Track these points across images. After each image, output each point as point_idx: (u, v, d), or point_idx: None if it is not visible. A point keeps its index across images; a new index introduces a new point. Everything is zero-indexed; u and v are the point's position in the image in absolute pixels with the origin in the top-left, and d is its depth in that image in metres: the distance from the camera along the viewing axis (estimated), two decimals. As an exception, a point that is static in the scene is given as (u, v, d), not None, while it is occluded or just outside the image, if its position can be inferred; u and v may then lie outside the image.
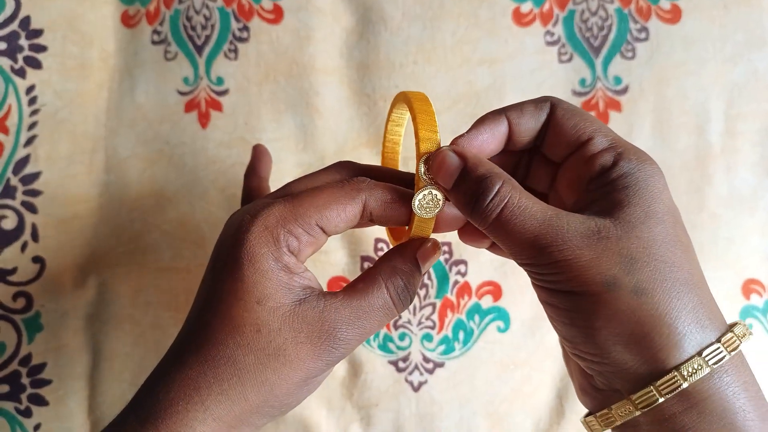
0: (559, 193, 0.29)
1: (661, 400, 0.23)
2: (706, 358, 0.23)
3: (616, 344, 0.24)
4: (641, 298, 0.23)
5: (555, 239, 0.24)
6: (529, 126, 0.28)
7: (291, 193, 0.28)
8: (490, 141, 0.28)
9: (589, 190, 0.26)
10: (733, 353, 0.23)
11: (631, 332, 0.23)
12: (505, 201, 0.25)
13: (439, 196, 0.27)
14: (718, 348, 0.23)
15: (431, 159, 0.27)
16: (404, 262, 0.28)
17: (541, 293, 0.26)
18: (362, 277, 0.28)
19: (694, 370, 0.23)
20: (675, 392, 0.23)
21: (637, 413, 0.24)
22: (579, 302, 0.24)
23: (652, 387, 0.23)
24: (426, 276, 0.50)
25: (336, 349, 0.26)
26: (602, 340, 0.24)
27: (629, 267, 0.23)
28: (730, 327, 0.25)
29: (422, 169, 0.27)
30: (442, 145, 0.27)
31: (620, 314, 0.23)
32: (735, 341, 0.24)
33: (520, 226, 0.24)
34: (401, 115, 0.33)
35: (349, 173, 0.30)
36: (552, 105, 0.28)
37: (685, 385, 0.23)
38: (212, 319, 0.26)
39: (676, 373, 0.23)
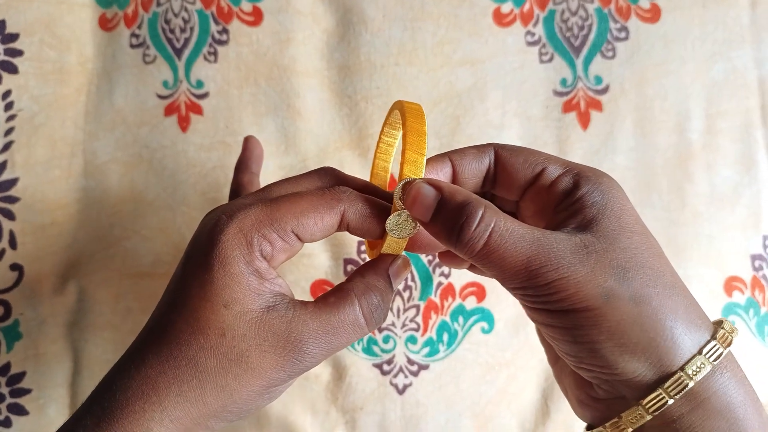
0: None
1: (670, 401, 0.23)
2: (707, 356, 0.23)
3: (623, 353, 0.24)
4: (640, 306, 0.23)
5: (548, 259, 0.24)
6: (473, 167, 0.28)
7: (271, 196, 0.28)
8: None
9: (558, 212, 0.27)
10: (728, 348, 0.24)
11: (636, 340, 0.23)
12: (491, 227, 0.24)
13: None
14: (715, 345, 0.24)
15: (405, 192, 0.26)
16: (377, 278, 0.28)
17: (537, 316, 0.26)
18: (334, 291, 0.27)
19: (698, 369, 0.23)
20: (683, 392, 0.23)
21: (648, 417, 0.24)
22: (579, 318, 0.24)
23: (661, 389, 0.23)
24: (410, 278, 0.50)
25: (300, 361, 0.26)
26: (608, 352, 0.24)
27: (622, 277, 0.24)
28: (718, 324, 0.25)
29: (399, 192, 0.26)
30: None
31: (623, 324, 0.23)
32: (728, 337, 0.24)
33: (511, 250, 0.24)
34: (393, 139, 0.32)
35: (331, 181, 0.29)
36: (495, 149, 0.29)
37: (691, 384, 0.23)
38: (177, 318, 0.25)
39: (682, 373, 0.23)
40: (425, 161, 0.26)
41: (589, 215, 0.25)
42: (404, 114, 0.27)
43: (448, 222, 0.25)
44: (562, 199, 0.27)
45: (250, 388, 0.25)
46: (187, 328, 0.25)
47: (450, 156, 0.29)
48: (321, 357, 0.26)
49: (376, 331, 0.49)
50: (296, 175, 0.30)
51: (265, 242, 0.26)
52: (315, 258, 0.50)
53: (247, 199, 0.27)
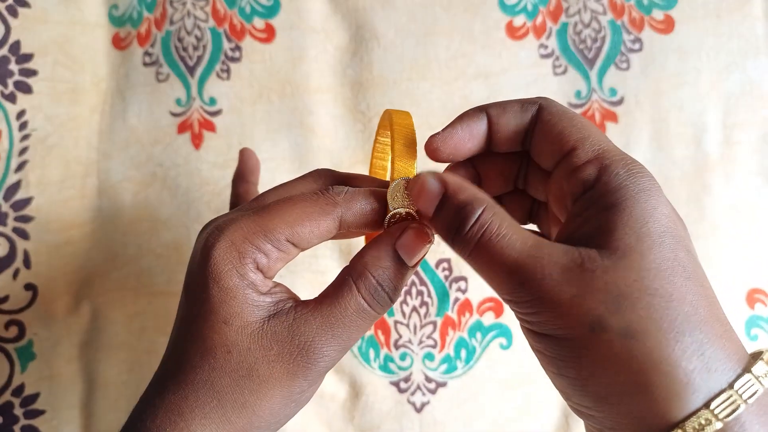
0: (551, 207, 0.27)
1: None
2: (716, 411, 0.19)
3: (609, 395, 0.20)
4: (631, 342, 0.20)
5: (534, 272, 0.21)
6: (510, 125, 0.26)
7: (264, 203, 0.26)
8: (467, 139, 0.26)
9: (574, 210, 0.23)
10: (751, 400, 0.19)
11: (623, 382, 0.20)
12: (485, 227, 0.22)
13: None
14: (731, 397, 0.19)
15: (411, 184, 0.25)
16: (378, 254, 0.25)
17: (528, 337, 0.24)
18: (335, 280, 0.26)
19: (701, 426, 0.19)
20: None
21: None
22: (563, 348, 0.21)
23: None
24: (426, 294, 0.49)
25: (312, 364, 0.24)
26: (593, 392, 0.21)
27: (617, 305, 0.20)
28: (754, 358, 0.21)
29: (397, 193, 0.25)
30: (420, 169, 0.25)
31: (609, 362, 0.20)
32: (752, 387, 0.20)
33: (499, 255, 0.22)
34: (389, 138, 0.31)
35: (327, 182, 0.28)
36: (540, 107, 0.26)
37: None
38: (186, 342, 0.25)
39: (679, 431, 0.19)
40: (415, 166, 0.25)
41: (603, 221, 0.22)
42: (392, 136, 0.26)
43: (448, 218, 0.23)
44: (582, 193, 0.23)
45: (271, 401, 0.24)
46: (196, 351, 0.24)
47: (488, 110, 0.26)
48: (334, 354, 0.25)
49: (392, 348, 0.49)
50: (291, 179, 0.28)
51: (259, 254, 0.25)
52: (329, 275, 0.50)
53: (240, 210, 0.27)
